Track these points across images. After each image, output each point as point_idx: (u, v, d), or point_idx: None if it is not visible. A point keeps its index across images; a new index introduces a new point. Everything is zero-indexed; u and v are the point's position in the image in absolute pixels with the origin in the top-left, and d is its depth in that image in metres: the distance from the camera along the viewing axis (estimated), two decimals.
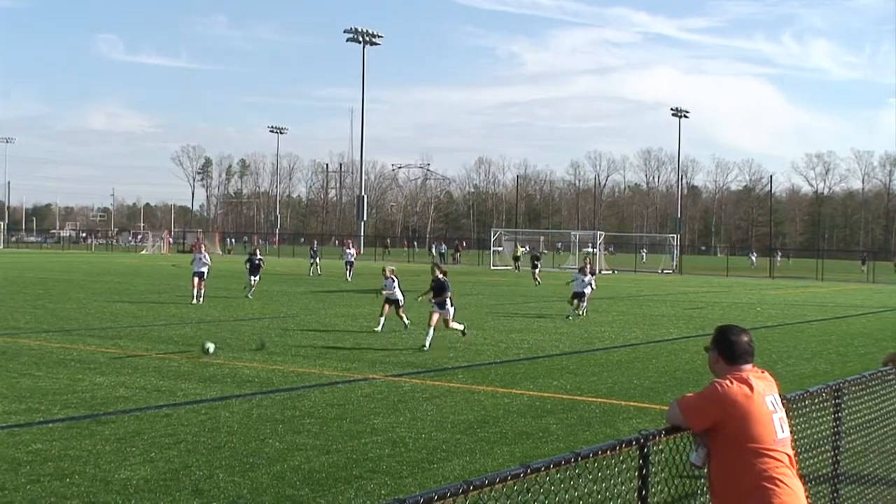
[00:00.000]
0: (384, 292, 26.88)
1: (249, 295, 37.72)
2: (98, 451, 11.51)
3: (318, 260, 61.20)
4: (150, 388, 16.26)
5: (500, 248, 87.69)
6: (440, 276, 24.27)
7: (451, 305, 23.99)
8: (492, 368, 19.73)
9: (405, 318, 26.59)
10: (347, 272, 55.60)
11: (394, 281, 26.67)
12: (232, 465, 10.98)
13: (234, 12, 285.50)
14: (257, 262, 39.10)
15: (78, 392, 15.64)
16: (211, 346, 19.99)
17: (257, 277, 39.02)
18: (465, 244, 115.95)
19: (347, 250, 58.72)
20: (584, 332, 27.81)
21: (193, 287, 34.97)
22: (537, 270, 57.08)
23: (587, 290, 33.57)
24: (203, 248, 37.69)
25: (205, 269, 35.41)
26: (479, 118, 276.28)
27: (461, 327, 24.24)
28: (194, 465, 10.98)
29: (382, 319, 26.20)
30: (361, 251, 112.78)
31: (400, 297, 26.56)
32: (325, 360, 20.14)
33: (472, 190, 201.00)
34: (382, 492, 10.04)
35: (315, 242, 67.93)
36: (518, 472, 4.38)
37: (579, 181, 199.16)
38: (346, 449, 11.97)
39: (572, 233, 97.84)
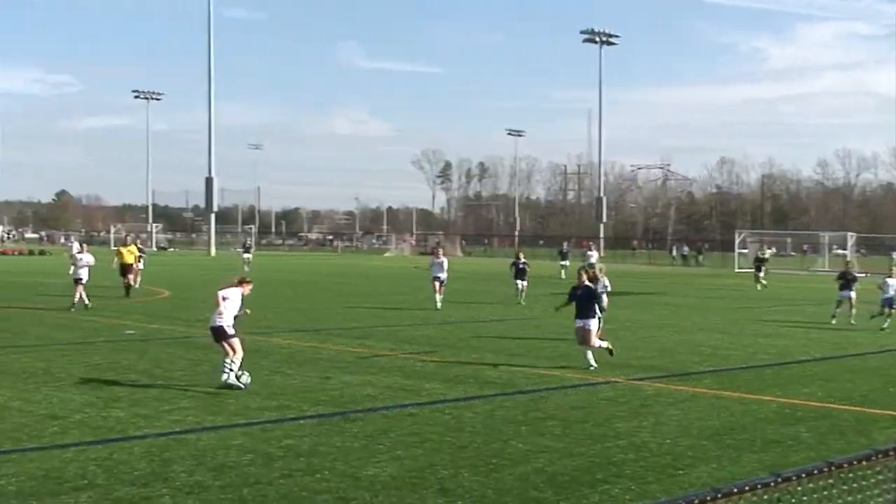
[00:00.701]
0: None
1: (521, 301, 36.03)
2: (347, 448, 11.90)
3: (567, 262, 58.19)
4: (396, 387, 16.69)
5: (745, 250, 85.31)
6: (586, 281, 20.81)
7: (596, 317, 20.20)
8: (739, 374, 19.22)
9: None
10: None
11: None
12: (476, 466, 11.12)
13: (473, 17, 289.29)
14: (521, 265, 37.35)
15: (327, 390, 16.22)
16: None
17: (524, 282, 37.03)
18: (707, 246, 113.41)
19: (588, 252, 57.85)
20: (835, 337, 26.69)
21: (435, 291, 34.01)
22: (762, 273, 52.12)
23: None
24: (441, 253, 36.78)
25: (442, 275, 34.14)
26: (721, 116, 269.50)
27: (606, 345, 20.18)
28: (439, 464, 11.18)
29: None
30: (602, 253, 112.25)
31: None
32: (568, 363, 20.10)
33: (715, 190, 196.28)
34: (627, 497, 9.95)
35: (565, 244, 66.07)
36: (768, 481, 4.26)
37: (828, 180, 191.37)
38: (590, 452, 11.93)
39: (821, 234, 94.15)
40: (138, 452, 11.49)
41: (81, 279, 31.18)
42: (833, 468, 4.59)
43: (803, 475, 4.45)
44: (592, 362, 19.43)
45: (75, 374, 17.41)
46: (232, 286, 17.09)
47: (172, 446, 11.87)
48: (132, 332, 24.48)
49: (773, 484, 4.28)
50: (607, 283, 24.12)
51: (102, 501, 9.46)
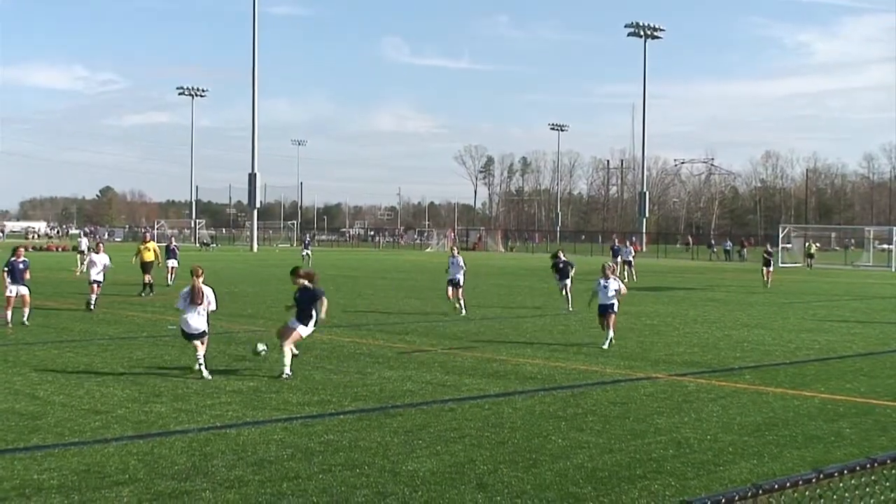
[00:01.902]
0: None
1: (570, 308, 31.56)
2: (386, 443, 11.90)
3: (619, 259, 53.09)
4: (436, 382, 16.68)
5: (789, 245, 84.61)
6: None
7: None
8: (781, 369, 19.04)
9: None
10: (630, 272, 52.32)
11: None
12: (515, 461, 11.08)
13: (516, 12, 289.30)
14: (562, 265, 33.46)
15: (367, 385, 16.25)
16: (262, 348, 17.85)
17: (568, 281, 32.70)
18: (751, 240, 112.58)
19: (624, 248, 56.29)
20: (879, 332, 26.40)
21: (450, 297, 31.15)
22: (769, 269, 48.43)
23: None
24: (457, 251, 33.71)
25: (459, 276, 31.03)
26: (766, 111, 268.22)
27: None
28: (478, 459, 11.16)
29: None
30: (643, 248, 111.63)
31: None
32: (607, 358, 20.03)
33: (759, 185, 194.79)
34: (667, 493, 9.87)
35: (616, 240, 65.01)
36: (810, 477, 4.19)
37: (873, 174, 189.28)
38: (630, 448, 11.85)
39: (866, 228, 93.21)
40: (179, 447, 11.56)
41: (98, 281, 29.96)
42: (876, 465, 4.51)
43: (845, 472, 4.37)
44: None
45: (118, 369, 17.56)
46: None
47: (213, 441, 11.93)
48: (174, 327, 24.61)
49: (814, 480, 4.21)
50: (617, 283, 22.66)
51: (143, 496, 9.51)
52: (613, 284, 22.10)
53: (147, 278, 36.17)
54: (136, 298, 33.76)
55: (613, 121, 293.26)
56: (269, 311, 29.72)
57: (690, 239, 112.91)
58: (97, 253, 31.40)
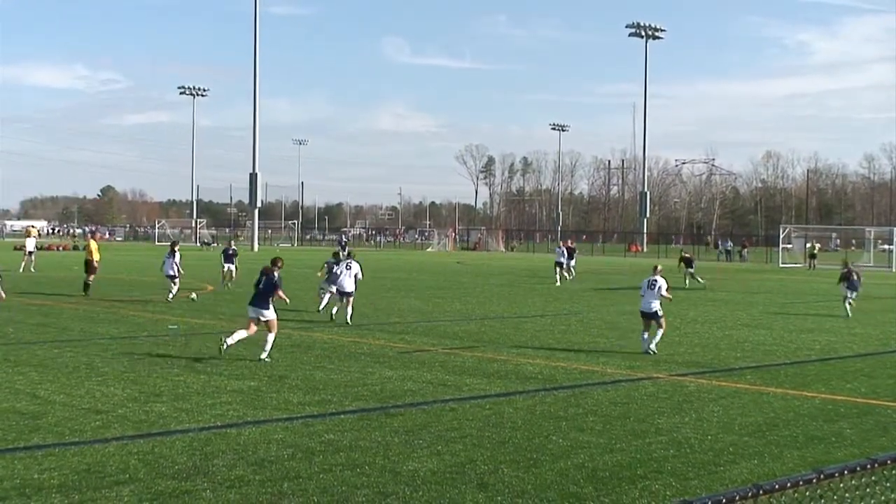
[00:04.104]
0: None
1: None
2: (387, 443, 11.90)
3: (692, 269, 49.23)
4: (437, 382, 16.68)
5: (790, 245, 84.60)
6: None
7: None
8: (781, 369, 19.04)
9: None
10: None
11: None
12: (516, 461, 11.08)
13: (516, 11, 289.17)
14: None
15: (368, 385, 16.24)
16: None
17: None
18: (753, 240, 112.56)
19: (558, 249, 53.91)
20: (879, 332, 26.40)
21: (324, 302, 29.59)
22: (691, 270, 46.72)
23: None
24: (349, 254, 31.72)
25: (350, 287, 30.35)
26: (767, 111, 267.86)
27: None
28: (479, 459, 11.16)
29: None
30: (644, 249, 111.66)
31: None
32: (609, 358, 20.03)
33: (760, 185, 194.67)
34: (668, 493, 9.87)
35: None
36: (810, 478, 4.19)
37: (874, 174, 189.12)
38: (630, 448, 11.85)
39: (866, 229, 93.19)
40: (179, 447, 11.56)
41: (171, 276, 32.76)
42: (876, 465, 4.51)
43: (846, 472, 4.37)
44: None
45: (118, 369, 17.55)
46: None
47: (213, 441, 11.93)
48: (175, 326, 24.64)
49: (815, 481, 4.21)
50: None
51: (144, 495, 9.51)
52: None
53: (90, 278, 35.30)
54: (137, 298, 33.74)
55: (614, 121, 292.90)
56: None
57: (709, 239, 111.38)
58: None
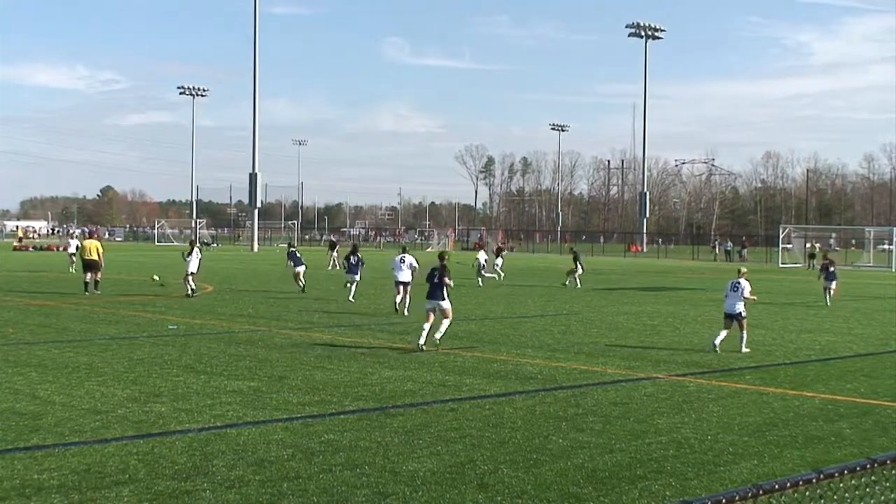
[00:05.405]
0: None
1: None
2: (387, 443, 11.89)
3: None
4: (437, 382, 16.68)
5: (789, 245, 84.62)
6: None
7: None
8: (781, 369, 19.04)
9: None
10: None
11: None
12: (516, 461, 11.08)
13: (516, 12, 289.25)
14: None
15: (368, 385, 16.24)
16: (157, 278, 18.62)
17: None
18: (753, 239, 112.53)
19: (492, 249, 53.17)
20: (879, 332, 26.40)
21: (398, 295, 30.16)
22: (579, 268, 44.98)
23: None
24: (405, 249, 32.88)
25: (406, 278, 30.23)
26: (767, 111, 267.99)
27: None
28: (479, 459, 11.15)
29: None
30: (644, 249, 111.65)
31: None
32: (608, 358, 20.03)
33: (759, 185, 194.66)
34: (667, 493, 9.87)
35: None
36: (810, 478, 4.19)
37: (874, 174, 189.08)
38: (630, 448, 11.85)
39: (866, 229, 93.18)
40: (179, 447, 11.55)
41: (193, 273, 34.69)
42: (876, 465, 4.51)
43: (845, 472, 4.37)
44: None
45: (118, 369, 17.55)
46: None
47: (213, 441, 11.92)
48: (175, 326, 24.64)
49: (815, 480, 4.21)
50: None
51: (143, 496, 9.50)
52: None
53: (88, 276, 35.39)
54: (137, 298, 33.74)
55: (614, 121, 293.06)
56: (269, 310, 29.74)
57: (714, 245, 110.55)
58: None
